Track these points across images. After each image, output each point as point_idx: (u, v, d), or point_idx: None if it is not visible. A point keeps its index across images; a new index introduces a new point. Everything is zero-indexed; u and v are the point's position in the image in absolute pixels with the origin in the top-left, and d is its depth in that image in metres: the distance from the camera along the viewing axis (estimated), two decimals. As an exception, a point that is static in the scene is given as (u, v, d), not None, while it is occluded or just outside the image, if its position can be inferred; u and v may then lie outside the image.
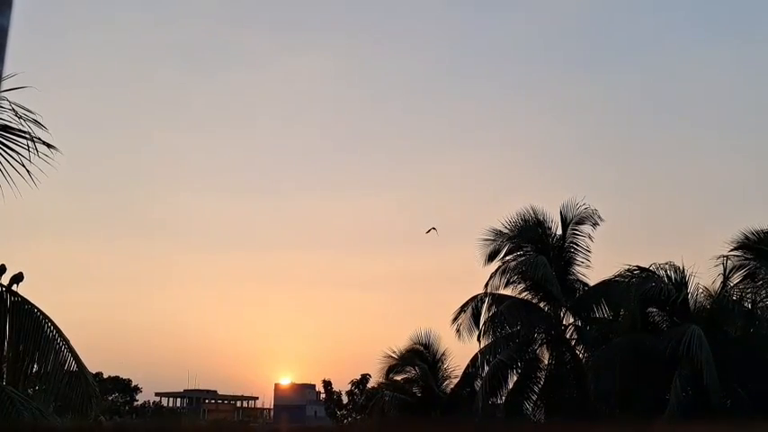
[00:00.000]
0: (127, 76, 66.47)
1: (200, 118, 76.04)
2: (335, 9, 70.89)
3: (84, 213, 74.33)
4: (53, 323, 10.57)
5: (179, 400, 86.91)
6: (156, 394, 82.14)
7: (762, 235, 19.93)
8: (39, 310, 10.59)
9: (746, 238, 19.92)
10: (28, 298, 10.75)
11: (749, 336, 18.92)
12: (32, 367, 10.89)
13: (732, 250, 19.72)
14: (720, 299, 18.81)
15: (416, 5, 63.12)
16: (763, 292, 19.04)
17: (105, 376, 65.76)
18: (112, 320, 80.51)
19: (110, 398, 66.65)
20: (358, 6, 71.27)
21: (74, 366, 10.65)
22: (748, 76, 59.30)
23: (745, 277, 19.13)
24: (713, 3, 59.00)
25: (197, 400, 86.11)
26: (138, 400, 74.64)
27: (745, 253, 19.67)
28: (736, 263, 19.25)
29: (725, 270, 18.95)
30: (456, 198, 73.69)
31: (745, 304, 19.20)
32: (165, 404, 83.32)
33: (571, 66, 67.52)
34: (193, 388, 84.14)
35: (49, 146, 9.11)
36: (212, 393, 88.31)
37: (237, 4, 66.17)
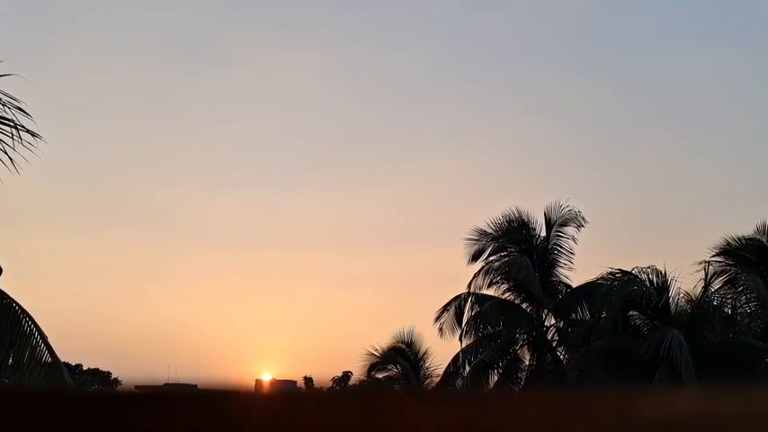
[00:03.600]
0: (121, 70, 65.65)
1: (192, 113, 75.35)
2: (329, 6, 70.54)
3: (70, 206, 73.47)
4: (31, 318, 10.46)
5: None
6: (136, 387, 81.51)
7: (743, 241, 20.13)
8: (17, 304, 10.47)
9: (728, 244, 20.11)
10: (7, 291, 10.62)
11: (728, 341, 19.06)
12: (8, 360, 10.79)
13: (714, 256, 19.87)
14: (701, 304, 18.91)
15: (412, 5, 63.00)
16: (744, 298, 19.20)
17: (85, 368, 65.27)
18: (94, 312, 79.76)
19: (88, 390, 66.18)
20: (352, 5, 71.06)
21: (49, 360, 10.55)
22: (734, 81, 59.75)
23: (725, 283, 19.24)
24: (699, 6, 59.36)
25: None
26: (117, 393, 74.19)
27: (726, 259, 19.83)
28: (717, 269, 19.36)
29: (706, 275, 19.04)
30: (442, 198, 73.58)
31: (726, 310, 19.33)
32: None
33: (557, 67, 67.69)
34: (173, 382, 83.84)
35: (33, 134, 9.02)
36: (192, 388, 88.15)
37: (233, 0, 65.66)
